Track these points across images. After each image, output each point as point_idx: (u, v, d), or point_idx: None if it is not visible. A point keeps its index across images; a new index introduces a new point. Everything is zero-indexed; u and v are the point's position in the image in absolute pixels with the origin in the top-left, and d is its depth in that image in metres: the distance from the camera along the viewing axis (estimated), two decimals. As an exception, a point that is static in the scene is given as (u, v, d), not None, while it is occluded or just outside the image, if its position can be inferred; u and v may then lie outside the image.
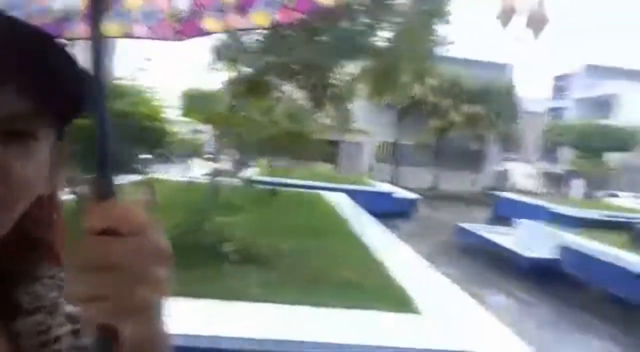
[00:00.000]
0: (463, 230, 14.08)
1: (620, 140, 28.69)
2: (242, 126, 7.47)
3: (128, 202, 0.43)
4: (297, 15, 0.97)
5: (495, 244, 12.32)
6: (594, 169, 28.09)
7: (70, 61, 0.51)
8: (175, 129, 9.88)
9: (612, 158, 30.46)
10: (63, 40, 0.94)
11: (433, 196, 25.82)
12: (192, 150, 10.74)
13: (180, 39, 1.03)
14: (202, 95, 12.49)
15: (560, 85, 43.09)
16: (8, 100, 0.48)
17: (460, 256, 12.96)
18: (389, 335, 4.05)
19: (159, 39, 1.03)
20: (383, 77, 8.57)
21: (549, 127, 35.58)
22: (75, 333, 0.57)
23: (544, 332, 7.84)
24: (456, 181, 29.96)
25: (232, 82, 7.13)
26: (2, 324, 0.54)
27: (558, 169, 33.75)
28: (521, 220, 12.95)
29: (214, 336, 3.58)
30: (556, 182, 32.69)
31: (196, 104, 12.28)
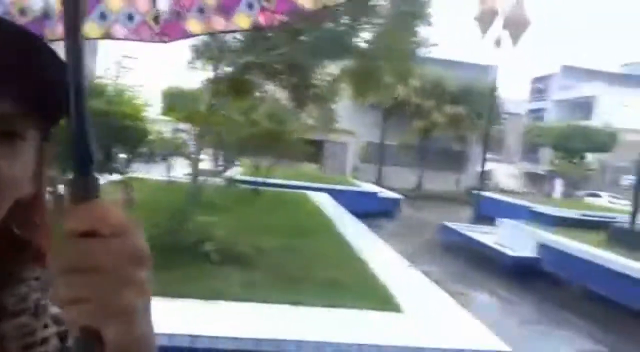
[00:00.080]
0: (447, 229, 14.21)
1: (599, 141, 29.23)
2: (221, 125, 7.43)
3: (107, 203, 0.43)
4: (279, 18, 0.98)
5: (478, 243, 12.46)
6: (573, 170, 28.58)
7: (57, 61, 0.51)
8: (156, 128, 9.76)
9: (592, 159, 31.05)
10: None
11: (417, 196, 26.00)
12: (174, 150, 10.63)
13: (163, 41, 1.04)
14: (182, 94, 12.39)
15: (539, 87, 43.79)
16: None
17: (443, 254, 13.08)
18: (371, 333, 4.06)
19: (139, 40, 1.04)
20: (365, 78, 8.60)
21: (528, 128, 36.11)
22: (61, 335, 0.57)
23: (525, 330, 7.95)
24: (440, 181, 30.22)
25: (211, 81, 7.08)
26: None
27: (539, 169, 34.28)
28: (503, 219, 13.11)
29: (194, 335, 3.55)
30: (538, 182, 33.20)
31: (176, 102, 12.18)
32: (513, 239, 11.86)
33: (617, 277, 8.98)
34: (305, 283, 5.13)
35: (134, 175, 8.56)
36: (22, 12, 0.99)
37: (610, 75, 39.90)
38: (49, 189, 0.59)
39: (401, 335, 4.09)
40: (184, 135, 10.99)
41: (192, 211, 6.48)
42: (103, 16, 1.02)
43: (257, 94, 10.67)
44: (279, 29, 6.52)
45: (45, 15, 0.99)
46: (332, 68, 9.91)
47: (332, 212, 11.18)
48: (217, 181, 10.74)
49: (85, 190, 0.43)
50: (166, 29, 1.03)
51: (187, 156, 9.08)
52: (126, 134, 6.63)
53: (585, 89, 37.04)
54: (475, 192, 20.29)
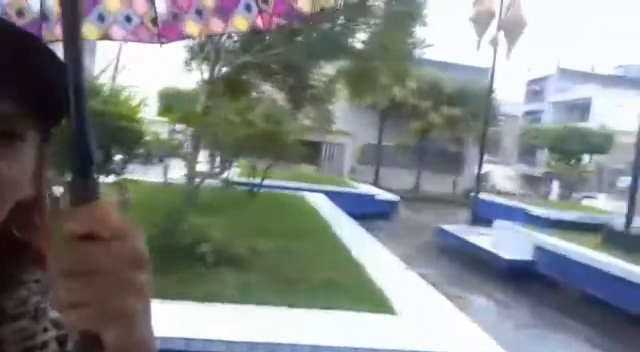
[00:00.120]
0: (443, 231, 14.20)
1: (596, 143, 29.30)
2: (216, 126, 7.41)
3: (107, 205, 0.42)
4: (276, 20, 0.98)
5: (474, 246, 12.46)
6: (570, 172, 28.64)
7: (56, 62, 0.51)
8: (153, 129, 9.73)
9: (588, 161, 31.13)
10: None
11: (414, 197, 26.01)
12: (170, 151, 10.59)
13: (161, 42, 1.05)
14: (179, 94, 12.36)
15: (535, 89, 43.94)
16: None
17: (440, 257, 13.07)
18: (366, 336, 4.05)
19: (137, 41, 1.05)
20: (361, 79, 8.61)
21: (524, 130, 36.20)
22: (60, 339, 0.56)
23: (521, 334, 7.94)
24: (437, 183, 30.23)
25: (207, 82, 7.07)
26: None
27: (536, 171, 34.36)
28: (499, 222, 13.12)
29: (188, 339, 3.53)
30: (535, 184, 33.27)
31: (172, 103, 12.16)
32: (509, 242, 11.87)
33: (613, 280, 8.98)
34: (301, 285, 5.12)
35: (131, 177, 8.53)
36: (20, 13, 0.99)
37: (605, 77, 40.09)
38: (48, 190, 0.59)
39: (396, 337, 4.08)
40: (180, 137, 10.97)
41: (188, 212, 6.46)
42: (101, 17, 1.02)
43: (254, 94, 10.67)
44: (277, 32, 6.52)
45: (43, 16, 1.00)
46: (329, 69, 9.92)
47: (328, 214, 11.17)
48: (214, 182, 10.71)
49: (85, 192, 0.42)
50: (164, 30, 1.03)
51: (183, 157, 9.06)
52: (122, 135, 6.60)
53: (581, 91, 37.21)
54: (472, 194, 20.30)
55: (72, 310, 0.39)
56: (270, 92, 10.88)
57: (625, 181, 22.33)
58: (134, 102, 7.41)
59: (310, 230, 8.57)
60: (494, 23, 16.52)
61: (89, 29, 1.01)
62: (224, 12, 1.00)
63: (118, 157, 7.28)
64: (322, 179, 19.97)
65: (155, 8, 1.02)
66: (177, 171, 11.75)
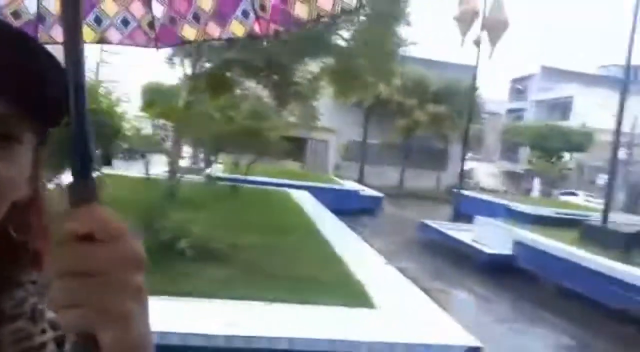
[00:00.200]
0: (426, 227, 14.33)
1: (576, 141, 29.80)
2: (196, 122, 7.38)
3: (105, 206, 0.42)
4: (274, 27, 0.98)
5: (455, 240, 12.61)
6: (551, 169, 29.09)
7: (54, 63, 0.51)
8: (135, 124, 9.63)
9: (569, 158, 31.65)
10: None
11: (399, 194, 26.17)
12: (153, 146, 10.49)
13: (157, 47, 1.05)
14: (161, 90, 12.25)
15: (518, 88, 44.47)
16: None
17: (422, 251, 13.19)
18: (344, 328, 4.08)
19: (133, 45, 1.05)
20: (345, 76, 8.63)
21: (507, 128, 36.64)
22: (58, 340, 0.56)
23: (501, 327, 8.05)
24: (422, 179, 30.46)
25: (189, 77, 7.02)
26: None
27: (518, 168, 34.81)
28: (480, 217, 13.28)
29: (164, 332, 3.52)
30: (517, 180, 33.72)
31: (155, 98, 12.04)
32: (490, 237, 12.03)
33: (591, 275, 9.16)
34: (280, 280, 5.13)
35: (112, 172, 8.45)
36: (16, 14, 0.98)
37: (587, 77, 40.70)
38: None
39: (374, 330, 4.12)
40: (162, 132, 10.89)
41: (169, 207, 6.42)
42: (98, 20, 1.02)
43: (238, 91, 10.62)
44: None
45: (40, 18, 0.99)
46: (313, 66, 9.92)
47: (312, 210, 11.19)
48: (196, 178, 10.65)
49: (84, 193, 0.42)
50: (160, 34, 1.03)
51: (166, 153, 8.98)
52: (99, 130, 6.53)
53: (563, 90, 37.74)
54: (455, 190, 20.50)
55: (69, 310, 0.39)
56: (255, 89, 10.83)
57: (604, 178, 22.76)
58: (112, 98, 7.34)
59: (293, 226, 8.58)
60: (478, 22, 16.72)
61: (85, 32, 0.99)
62: (222, 17, 1.00)
63: (96, 153, 7.21)
64: (307, 175, 19.98)
65: (152, 12, 1.02)
66: (160, 167, 11.68)
